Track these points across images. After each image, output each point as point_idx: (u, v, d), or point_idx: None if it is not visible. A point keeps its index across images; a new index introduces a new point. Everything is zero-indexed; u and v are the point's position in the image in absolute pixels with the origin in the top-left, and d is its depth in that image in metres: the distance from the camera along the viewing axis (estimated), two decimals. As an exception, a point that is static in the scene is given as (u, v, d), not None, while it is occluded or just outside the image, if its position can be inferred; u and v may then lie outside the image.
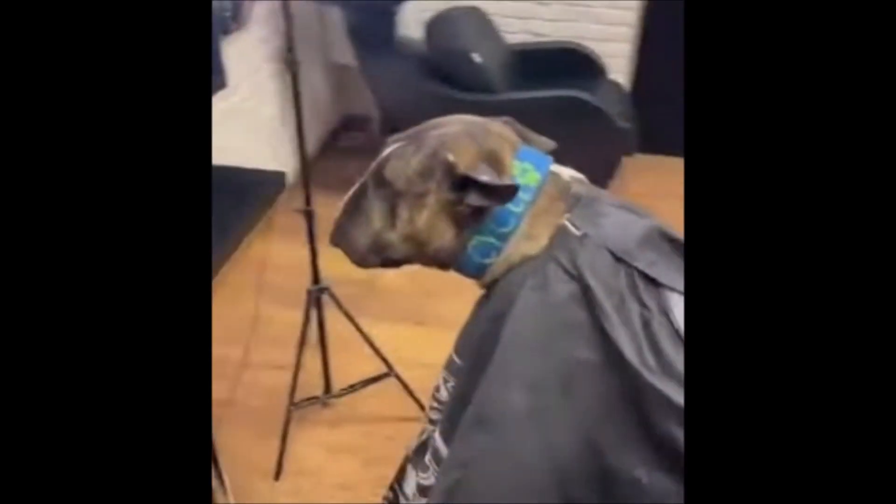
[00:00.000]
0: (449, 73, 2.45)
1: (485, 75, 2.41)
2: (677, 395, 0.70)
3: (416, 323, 2.21)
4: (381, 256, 0.87)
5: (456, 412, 0.84)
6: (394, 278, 2.48)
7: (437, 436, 0.88)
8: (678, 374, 0.71)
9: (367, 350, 1.81)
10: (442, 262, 0.86)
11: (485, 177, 0.77)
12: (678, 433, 0.70)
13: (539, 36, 3.05)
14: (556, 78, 2.55)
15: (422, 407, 1.84)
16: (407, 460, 1.22)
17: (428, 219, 0.82)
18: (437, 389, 0.97)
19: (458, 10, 2.59)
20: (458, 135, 0.82)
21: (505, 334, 0.77)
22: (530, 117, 2.64)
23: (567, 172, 0.87)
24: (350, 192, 0.87)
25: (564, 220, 0.80)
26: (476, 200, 0.78)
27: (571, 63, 2.76)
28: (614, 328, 0.72)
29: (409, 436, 1.78)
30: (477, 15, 2.67)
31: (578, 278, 0.76)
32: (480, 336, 0.83)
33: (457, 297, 2.50)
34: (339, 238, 0.88)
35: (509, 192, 0.77)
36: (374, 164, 0.85)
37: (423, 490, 0.91)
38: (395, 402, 1.88)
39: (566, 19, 3.03)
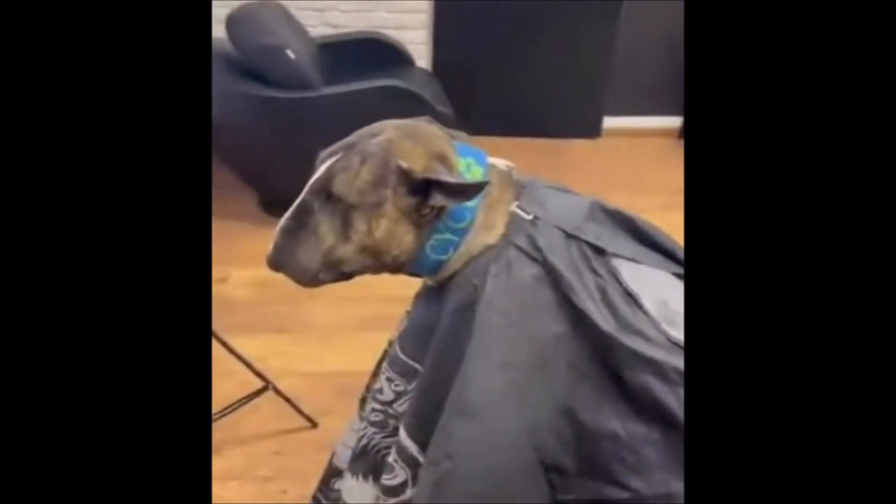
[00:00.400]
0: (262, 72, 2.37)
1: (300, 71, 2.37)
2: (644, 348, 0.79)
3: (277, 331, 2.14)
4: (334, 272, 0.86)
5: (423, 407, 0.87)
6: (239, 289, 2.38)
7: (402, 434, 0.89)
8: (638, 330, 0.80)
9: (233, 367, 1.72)
10: (399, 266, 0.87)
11: (448, 178, 0.79)
12: (650, 381, 0.79)
13: (338, 28, 3.04)
14: (365, 69, 2.58)
15: (306, 417, 1.80)
16: (332, 468, 1.20)
17: (386, 227, 0.82)
18: (380, 391, 0.97)
19: (258, 4, 2.50)
20: (400, 139, 0.83)
21: (477, 323, 0.81)
22: (353, 110, 2.66)
23: (500, 162, 0.91)
24: (289, 213, 0.84)
25: (514, 206, 0.85)
26: (441, 201, 0.80)
27: (377, 53, 2.79)
28: (581, 299, 0.80)
29: (298, 447, 1.75)
30: (278, 9, 2.61)
31: (540, 259, 0.83)
32: (445, 330, 0.86)
33: (314, 300, 2.47)
34: (283, 260, 0.85)
35: (476, 190, 0.80)
36: (314, 181, 0.83)
37: (389, 490, 0.91)
38: (274, 417, 1.82)
39: (363, 10, 3.06)
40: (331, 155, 0.84)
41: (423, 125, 0.89)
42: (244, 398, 1.74)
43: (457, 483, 0.80)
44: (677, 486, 0.79)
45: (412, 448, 0.87)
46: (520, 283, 0.82)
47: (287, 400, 1.77)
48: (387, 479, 0.91)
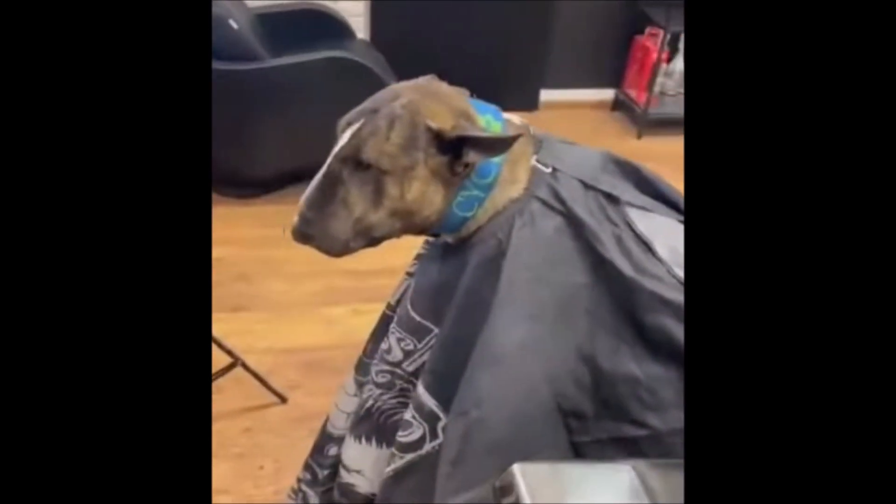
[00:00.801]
0: (204, 43, 2.29)
1: (245, 42, 2.31)
2: (662, 290, 0.83)
3: (233, 310, 2.10)
4: (364, 239, 0.86)
5: (443, 364, 0.89)
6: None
7: (421, 390, 0.90)
8: (653, 274, 0.84)
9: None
10: (427, 226, 0.88)
11: (481, 133, 0.80)
12: (667, 322, 0.83)
13: (273, -1, 2.96)
14: (305, 41, 2.52)
15: (275, 392, 1.79)
16: (325, 434, 1.20)
17: (418, 189, 0.82)
18: (388, 351, 0.98)
19: (194, -26, 2.41)
20: (423, 99, 0.83)
21: (503, 277, 0.83)
22: (300, 82, 2.61)
23: (514, 117, 0.93)
24: (314, 184, 0.83)
25: (534, 160, 0.87)
26: (474, 157, 0.81)
27: (317, 25, 2.73)
28: (605, 248, 0.83)
29: (269, 423, 1.74)
30: (215, -22, 2.51)
31: (563, 210, 0.85)
32: (468, 286, 0.87)
33: (267, 277, 2.46)
34: (313, 233, 0.84)
35: (509, 144, 0.81)
36: (340, 150, 0.82)
37: (406, 447, 0.93)
38: (240, 395, 1.80)
39: (300, -20, 2.98)
40: (350, 123, 0.83)
41: (436, 84, 0.89)
42: (212, 375, 1.70)
43: (484, 431, 0.83)
44: None
45: (431, 403, 0.89)
46: (544, 235, 0.84)
47: (256, 376, 1.75)
48: (403, 436, 0.92)
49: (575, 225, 0.84)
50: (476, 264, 0.86)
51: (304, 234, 0.84)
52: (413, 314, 0.94)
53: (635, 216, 0.88)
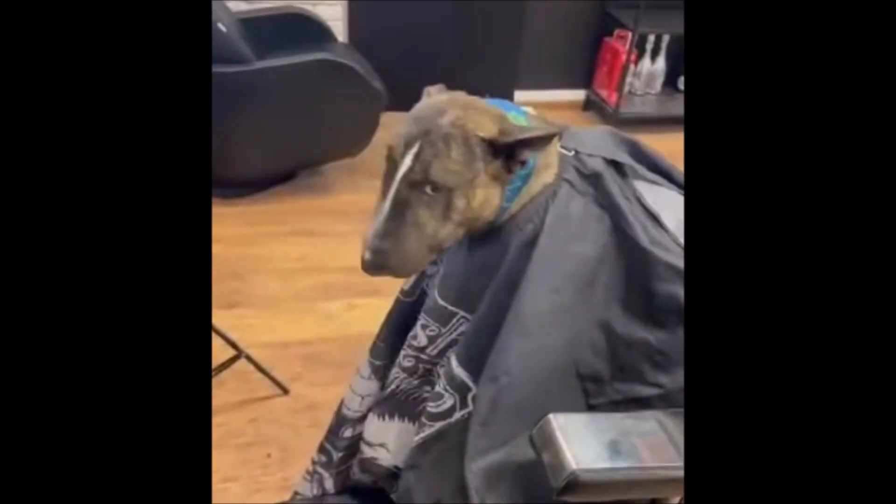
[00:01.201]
0: (192, 47, 2.33)
1: (234, 45, 2.35)
2: (674, 259, 0.89)
3: (228, 307, 2.13)
4: (435, 253, 0.89)
5: (476, 339, 0.93)
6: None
7: (454, 363, 0.95)
8: (664, 245, 0.91)
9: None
10: (487, 224, 0.92)
11: (529, 133, 0.85)
12: (677, 289, 0.89)
13: (252, 3, 3.00)
14: (287, 45, 2.57)
15: (278, 384, 1.84)
16: (340, 417, 1.24)
17: (482, 195, 0.86)
18: (415, 337, 1.03)
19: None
20: (466, 113, 0.86)
21: (535, 254, 0.89)
22: (288, 84, 2.66)
23: (529, 109, 0.98)
24: (384, 215, 0.83)
25: (559, 146, 0.94)
26: (528, 154, 0.86)
27: (298, 29, 2.78)
28: (628, 223, 0.90)
29: (273, 413, 1.78)
30: (199, -16, 2.55)
31: (590, 191, 0.92)
32: (507, 270, 0.91)
33: (258, 274, 2.50)
34: (388, 263, 0.84)
35: (553, 136, 0.87)
36: (406, 175, 0.83)
37: (436, 416, 0.97)
38: (241, 388, 1.85)
39: (279, -15, 3.03)
40: (408, 146, 0.84)
41: (461, 95, 0.93)
42: (218, 367, 1.75)
43: (511, 395, 0.88)
44: None
45: (463, 375, 0.93)
46: (572, 215, 0.90)
47: (259, 368, 1.80)
48: (433, 407, 0.97)
49: (600, 204, 0.91)
50: (516, 247, 0.91)
51: (379, 265, 0.84)
52: (441, 302, 0.98)
53: (644, 189, 0.95)
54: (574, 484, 0.73)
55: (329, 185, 2.83)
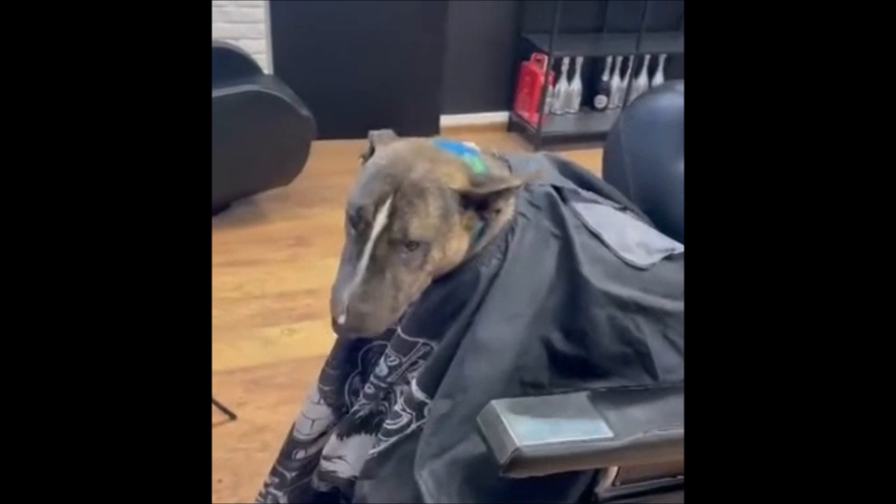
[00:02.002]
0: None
1: (160, 80, 2.36)
2: (610, 287, 0.95)
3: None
4: (407, 304, 0.90)
5: (438, 364, 0.95)
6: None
7: (414, 387, 0.97)
8: (604, 264, 0.96)
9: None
10: (452, 267, 0.93)
11: (503, 184, 0.88)
12: (613, 312, 0.95)
13: (176, 38, 3.02)
14: (218, 79, 2.58)
15: (225, 410, 1.85)
16: (292, 440, 1.25)
17: (455, 244, 0.89)
18: (379, 369, 1.05)
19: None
20: (435, 166, 0.87)
21: (496, 284, 0.93)
22: (222, 116, 2.69)
23: (475, 146, 1.01)
24: (360, 278, 0.83)
25: None
26: (502, 204, 0.90)
27: (226, 63, 2.81)
28: (573, 251, 0.94)
29: (221, 439, 1.80)
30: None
31: (541, 219, 0.96)
32: (477, 302, 0.93)
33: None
34: (365, 325, 0.85)
35: (522, 184, 0.91)
36: (382, 234, 0.83)
37: (391, 432, 0.99)
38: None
39: (201, 20, 3.06)
40: (378, 203, 0.83)
41: (421, 142, 0.94)
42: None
43: (464, 408, 0.91)
44: (631, 384, 0.97)
45: (421, 395, 0.96)
46: (527, 244, 0.94)
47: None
48: (390, 424, 1.00)
49: (550, 232, 0.95)
50: (483, 281, 0.93)
51: (357, 328, 0.84)
52: (404, 336, 0.99)
53: (584, 210, 1.00)
54: (518, 459, 0.80)
55: (262, 214, 2.86)
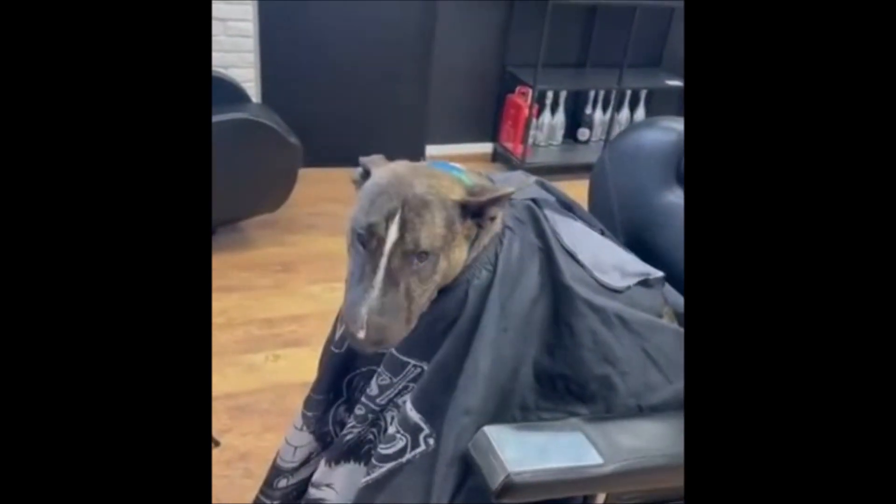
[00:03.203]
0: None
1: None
2: (591, 295, 0.98)
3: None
4: (419, 315, 0.91)
5: (433, 383, 0.96)
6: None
7: (409, 407, 0.97)
8: (584, 280, 0.99)
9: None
10: (453, 280, 0.95)
11: (498, 193, 0.92)
12: (594, 325, 0.97)
13: (165, 65, 3.04)
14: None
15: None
16: (275, 468, 1.24)
17: (458, 254, 0.92)
18: (370, 389, 1.06)
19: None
20: (432, 181, 0.91)
21: (489, 300, 0.94)
22: (211, 143, 2.68)
23: (460, 166, 1.04)
24: (376, 292, 0.85)
25: None
26: (497, 212, 0.93)
27: (216, 91, 2.83)
28: (555, 261, 0.97)
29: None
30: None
31: (525, 231, 0.99)
32: (469, 316, 0.95)
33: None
34: (385, 337, 0.86)
35: (513, 192, 0.93)
36: (396, 245, 0.86)
37: (386, 458, 0.99)
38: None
39: (191, 48, 3.09)
40: (388, 219, 0.86)
41: (414, 163, 0.98)
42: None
43: (470, 434, 0.92)
44: (614, 410, 0.99)
45: (416, 417, 0.97)
46: (515, 257, 0.96)
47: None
48: (385, 448, 0.99)
49: (533, 244, 0.98)
50: (473, 296, 0.95)
51: (378, 341, 0.86)
52: (396, 354, 1.00)
53: (559, 224, 1.03)
54: (510, 485, 0.82)
55: (249, 241, 2.86)
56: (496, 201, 0.92)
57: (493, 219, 0.94)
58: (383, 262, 0.86)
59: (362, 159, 0.98)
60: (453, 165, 1.01)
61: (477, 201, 0.91)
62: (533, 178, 1.09)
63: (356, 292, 0.87)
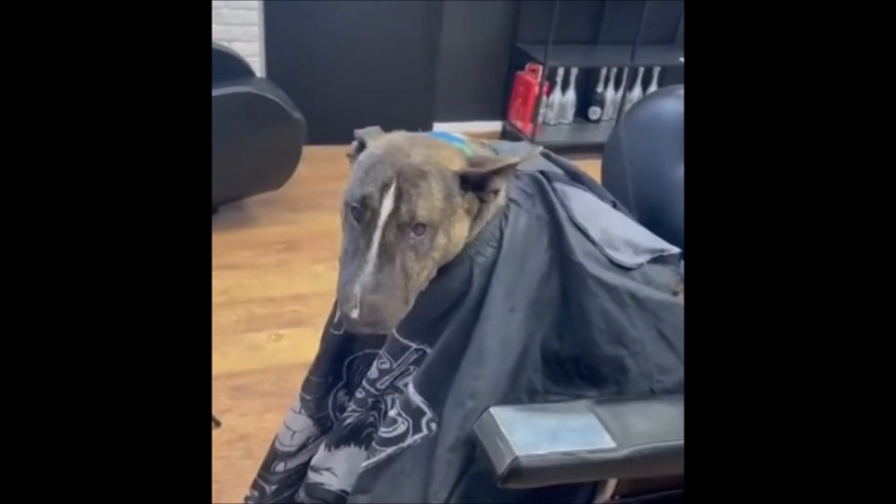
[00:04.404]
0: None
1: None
2: (603, 273, 0.92)
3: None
4: (416, 296, 0.86)
5: (437, 365, 0.92)
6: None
7: (411, 390, 0.93)
8: (594, 256, 0.94)
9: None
10: (453, 258, 0.90)
11: (501, 162, 0.86)
12: (606, 305, 0.92)
13: (167, 39, 2.98)
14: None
15: (210, 418, 1.80)
16: (274, 452, 1.21)
17: (459, 229, 0.87)
18: (370, 372, 1.02)
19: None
20: (431, 151, 0.86)
21: (494, 276, 0.90)
22: (213, 118, 2.63)
23: (464, 136, 0.99)
24: (370, 266, 0.80)
25: None
26: (500, 183, 0.87)
27: (219, 64, 2.77)
28: (565, 236, 0.91)
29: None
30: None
31: (533, 205, 0.94)
32: (474, 294, 0.90)
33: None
34: (383, 315, 0.80)
35: (517, 163, 0.88)
36: (391, 218, 0.81)
37: (388, 441, 0.96)
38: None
39: (194, 21, 3.03)
40: (383, 190, 0.81)
41: (412, 133, 0.92)
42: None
43: (475, 419, 0.87)
44: (626, 393, 0.94)
45: (418, 400, 0.93)
46: (521, 232, 0.92)
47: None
48: (386, 432, 0.96)
49: (541, 219, 0.93)
50: (478, 274, 0.90)
51: (372, 322, 0.80)
52: (398, 337, 0.96)
53: (569, 195, 0.97)
54: (517, 469, 0.77)
55: (251, 219, 2.81)
56: (498, 172, 0.86)
57: (495, 192, 0.88)
58: (377, 235, 0.80)
59: (357, 132, 0.92)
60: (455, 136, 0.96)
61: (478, 172, 0.86)
62: (539, 149, 1.03)
63: (349, 270, 0.81)
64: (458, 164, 0.86)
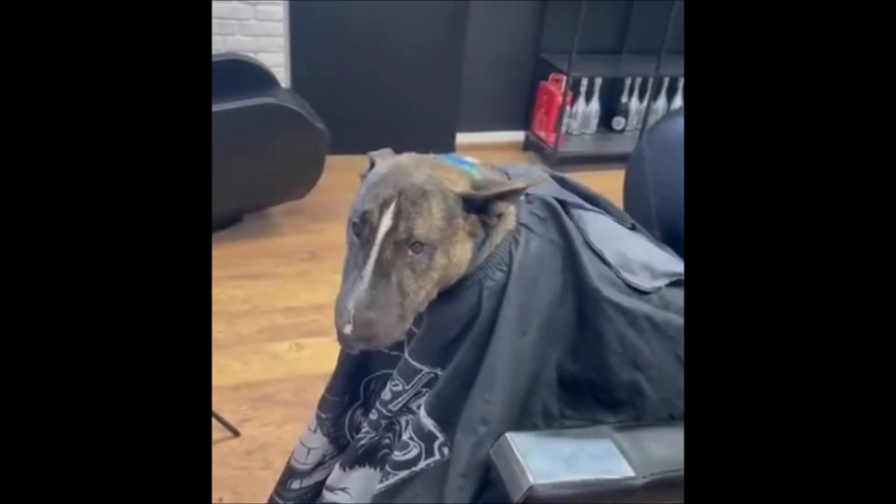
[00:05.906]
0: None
1: (176, 91, 2.35)
2: (619, 297, 0.91)
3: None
4: (413, 317, 0.85)
5: (448, 389, 0.91)
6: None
7: (422, 413, 0.93)
8: (611, 280, 0.92)
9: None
10: (456, 280, 0.90)
11: (505, 187, 0.86)
12: (622, 330, 0.91)
13: (194, 50, 3.01)
14: (230, 90, 2.59)
15: (229, 427, 1.81)
16: (289, 469, 1.21)
17: (460, 251, 0.86)
18: (385, 394, 1.01)
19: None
20: (434, 171, 0.86)
21: (505, 300, 0.89)
22: (237, 128, 2.68)
23: (475, 160, 0.98)
24: (365, 282, 0.80)
25: None
26: (504, 207, 0.88)
27: (244, 75, 2.80)
28: (580, 261, 0.90)
29: (224, 457, 1.76)
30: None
31: (546, 230, 0.92)
32: (484, 318, 0.90)
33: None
34: (376, 332, 0.80)
35: (524, 189, 0.88)
36: (388, 235, 0.81)
37: (400, 465, 0.95)
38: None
39: (220, 33, 3.06)
40: (383, 207, 0.82)
41: (420, 155, 0.93)
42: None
43: (490, 442, 0.87)
44: (644, 419, 0.93)
45: (430, 424, 0.92)
46: (533, 256, 0.90)
47: (215, 415, 1.76)
48: (399, 455, 0.95)
49: (555, 243, 0.91)
50: (488, 297, 0.90)
51: (365, 338, 0.80)
52: (410, 360, 0.96)
53: (585, 220, 0.96)
54: (533, 498, 0.76)
55: (274, 228, 2.83)
56: (502, 197, 0.86)
57: (499, 215, 0.88)
58: (374, 251, 0.81)
59: (370, 153, 0.94)
60: (465, 160, 0.96)
61: (480, 195, 0.85)
62: (546, 175, 1.00)
63: (345, 286, 0.82)
64: (462, 187, 0.86)
